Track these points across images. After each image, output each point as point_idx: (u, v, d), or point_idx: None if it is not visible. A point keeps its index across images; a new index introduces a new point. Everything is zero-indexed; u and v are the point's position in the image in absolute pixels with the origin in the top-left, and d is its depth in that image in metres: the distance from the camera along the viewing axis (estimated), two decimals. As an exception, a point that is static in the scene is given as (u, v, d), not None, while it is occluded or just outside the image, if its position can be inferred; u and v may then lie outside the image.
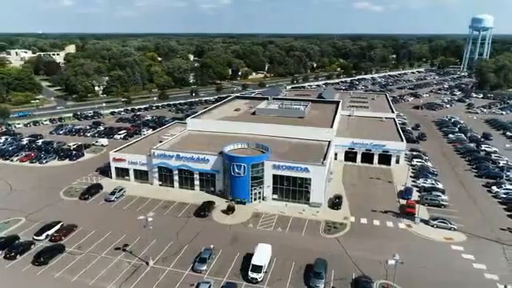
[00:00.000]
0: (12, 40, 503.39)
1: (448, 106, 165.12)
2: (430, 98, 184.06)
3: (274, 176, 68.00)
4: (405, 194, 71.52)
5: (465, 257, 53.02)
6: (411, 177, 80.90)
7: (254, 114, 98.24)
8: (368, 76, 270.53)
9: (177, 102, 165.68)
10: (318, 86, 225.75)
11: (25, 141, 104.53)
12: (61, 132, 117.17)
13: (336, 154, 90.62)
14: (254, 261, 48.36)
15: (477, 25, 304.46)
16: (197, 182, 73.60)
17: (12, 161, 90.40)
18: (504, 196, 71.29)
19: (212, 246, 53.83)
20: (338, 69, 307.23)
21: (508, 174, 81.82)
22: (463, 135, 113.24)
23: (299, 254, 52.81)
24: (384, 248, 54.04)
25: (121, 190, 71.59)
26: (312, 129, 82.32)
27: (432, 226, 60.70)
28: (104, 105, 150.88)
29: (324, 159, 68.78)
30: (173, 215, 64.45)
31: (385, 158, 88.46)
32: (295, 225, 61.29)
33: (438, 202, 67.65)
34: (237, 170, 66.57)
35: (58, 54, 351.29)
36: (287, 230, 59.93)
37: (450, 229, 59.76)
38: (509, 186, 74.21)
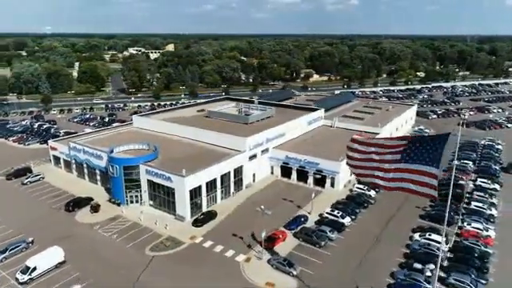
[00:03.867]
0: (137, 39, 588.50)
1: (510, 125, 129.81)
2: (498, 115, 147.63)
3: (149, 181, 65.34)
4: (292, 223, 60.41)
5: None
6: (332, 205, 67.81)
7: (207, 116, 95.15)
8: (448, 84, 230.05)
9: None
10: (373, 92, 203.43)
11: (36, 125, 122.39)
12: (75, 120, 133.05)
13: (272, 168, 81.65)
14: (27, 262, 47.97)
15: None
16: (98, 178, 75.59)
17: (8, 140, 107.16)
18: (417, 247, 53.88)
19: (31, 239, 55.22)
20: (422, 74, 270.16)
21: (466, 220, 61.30)
22: (471, 164, 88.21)
23: (93, 266, 50.21)
24: (185, 277, 47.57)
25: (37, 176, 78.37)
26: (227, 136, 75.66)
27: (272, 266, 50.20)
28: (133, 98, 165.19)
29: (196, 170, 62.74)
30: (49, 206, 67.70)
31: (322, 179, 75.66)
32: (135, 235, 57.92)
33: (311, 239, 55.16)
34: (111, 170, 66.19)
35: (158, 52, 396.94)
36: (120, 239, 57.18)
37: (288, 273, 48.51)
38: (436, 237, 55.42)
